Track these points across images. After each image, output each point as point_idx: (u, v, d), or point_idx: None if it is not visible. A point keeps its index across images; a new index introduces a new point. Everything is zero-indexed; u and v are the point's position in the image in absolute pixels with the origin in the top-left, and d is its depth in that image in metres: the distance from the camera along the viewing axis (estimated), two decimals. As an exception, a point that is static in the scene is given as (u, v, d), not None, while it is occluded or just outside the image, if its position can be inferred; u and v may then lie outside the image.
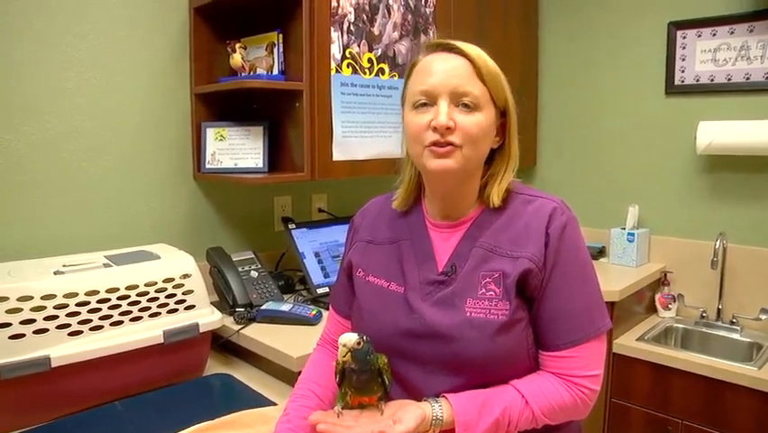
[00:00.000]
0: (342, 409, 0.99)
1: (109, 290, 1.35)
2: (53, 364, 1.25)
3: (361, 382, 0.95)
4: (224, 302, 1.76)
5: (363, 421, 0.95)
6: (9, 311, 1.23)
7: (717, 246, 2.24)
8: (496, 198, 1.03)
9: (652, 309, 2.49)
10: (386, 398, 0.99)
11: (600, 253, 2.63)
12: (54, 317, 1.28)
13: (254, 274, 1.82)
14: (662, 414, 2.12)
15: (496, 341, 0.96)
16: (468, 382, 0.98)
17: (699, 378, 2.01)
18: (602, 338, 1.01)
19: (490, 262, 1.00)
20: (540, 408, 0.97)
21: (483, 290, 0.99)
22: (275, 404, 1.32)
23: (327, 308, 1.29)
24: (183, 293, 1.46)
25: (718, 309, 2.36)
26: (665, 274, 2.47)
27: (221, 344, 1.69)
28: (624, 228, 2.51)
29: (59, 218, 1.71)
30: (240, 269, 1.80)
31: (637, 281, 2.31)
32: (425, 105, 1.00)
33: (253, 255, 1.90)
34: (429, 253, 1.06)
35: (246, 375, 1.54)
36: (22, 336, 1.24)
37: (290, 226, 1.98)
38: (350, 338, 0.93)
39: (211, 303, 1.55)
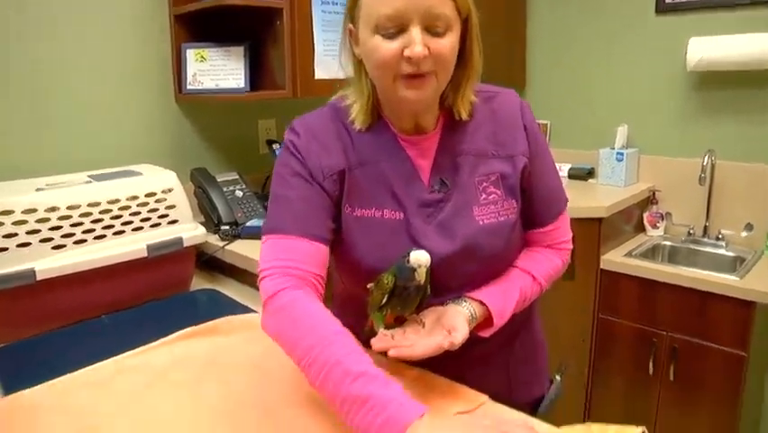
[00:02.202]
0: (386, 329, 0.94)
1: (91, 204, 1.35)
2: (38, 277, 1.26)
3: (414, 299, 0.92)
4: (210, 222, 1.75)
5: (414, 338, 0.92)
6: (-9, 226, 1.23)
7: (705, 163, 2.24)
8: (464, 112, 0.99)
9: (640, 229, 2.50)
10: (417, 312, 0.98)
11: (589, 174, 2.63)
12: (37, 231, 1.28)
13: (239, 194, 1.81)
14: (649, 327, 2.16)
15: (509, 240, 1.01)
16: (479, 279, 1.01)
17: (684, 291, 2.04)
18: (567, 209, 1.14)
19: (481, 167, 1.00)
20: (543, 278, 1.07)
21: (484, 195, 0.99)
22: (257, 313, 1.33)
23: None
24: (166, 208, 1.46)
25: (705, 226, 2.38)
26: (654, 193, 2.47)
27: (206, 262, 1.69)
28: (613, 148, 2.50)
29: (41, 142, 1.69)
30: (224, 189, 1.79)
31: (625, 199, 2.31)
32: (392, 32, 0.88)
33: (238, 176, 1.88)
34: (414, 172, 1.00)
35: (231, 290, 1.55)
36: (6, 249, 1.24)
37: (274, 147, 1.97)
38: (426, 257, 0.86)
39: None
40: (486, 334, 1.00)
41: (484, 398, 0.96)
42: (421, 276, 0.88)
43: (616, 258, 2.21)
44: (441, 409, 0.91)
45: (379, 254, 0.96)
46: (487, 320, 0.99)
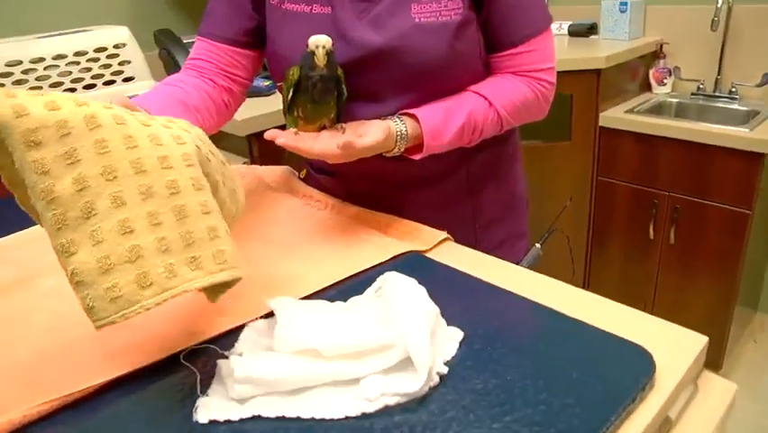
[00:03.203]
0: None
1: (34, 60, 1.26)
2: (-16, 138, 1.19)
3: (323, 92, 0.84)
4: (177, 85, 1.66)
5: (324, 139, 0.85)
6: (-75, 84, 1.16)
7: (719, 4, 2.04)
8: None
9: (645, 88, 2.36)
10: (338, 121, 0.90)
11: (590, 29, 2.45)
12: (-24, 90, 1.20)
13: (208, 55, 1.70)
14: (649, 188, 2.07)
15: (453, 46, 0.87)
16: (421, 101, 0.90)
17: (689, 146, 1.93)
18: (551, 30, 0.96)
19: None
20: (504, 107, 0.93)
21: None
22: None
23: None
24: (119, 64, 1.36)
25: (717, 80, 2.23)
26: (661, 46, 2.30)
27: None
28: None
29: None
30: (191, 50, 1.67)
31: (628, 50, 2.16)
32: None
33: (206, 38, 1.76)
34: None
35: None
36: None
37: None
38: (326, 39, 0.81)
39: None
40: (416, 156, 0.90)
41: (443, 235, 0.89)
42: (320, 59, 0.81)
43: (616, 114, 2.08)
44: (385, 247, 0.86)
45: (299, 50, 0.86)
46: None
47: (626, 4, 2.27)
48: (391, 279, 0.67)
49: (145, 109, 0.76)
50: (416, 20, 0.86)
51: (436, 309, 0.65)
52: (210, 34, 0.99)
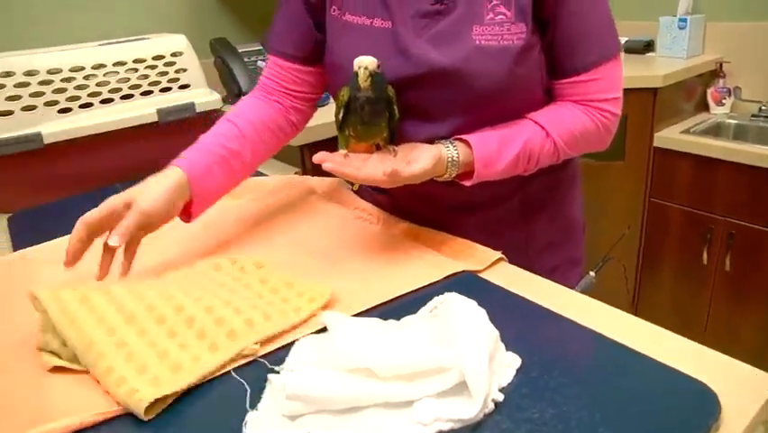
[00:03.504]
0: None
1: (95, 67, 1.29)
2: (45, 141, 1.23)
3: (372, 114, 0.83)
4: (231, 93, 1.68)
5: (373, 163, 0.84)
6: (-7, 88, 1.19)
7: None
8: None
9: (703, 108, 2.29)
10: (391, 141, 0.89)
11: (647, 47, 2.39)
12: (41, 94, 1.24)
13: (262, 64, 1.72)
14: (705, 212, 2.00)
15: (513, 71, 0.84)
16: (477, 125, 0.88)
17: (747, 170, 1.86)
18: (619, 59, 0.91)
19: None
20: (561, 137, 0.89)
21: (491, 15, 0.84)
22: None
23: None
24: (176, 71, 1.38)
25: (780, 101, 2.15)
26: (720, 65, 2.23)
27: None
28: (675, 15, 2.25)
29: (53, 13, 1.62)
30: (246, 59, 1.70)
31: (686, 69, 2.09)
32: None
33: (262, 47, 1.79)
34: None
35: (251, 160, 1.48)
36: (11, 112, 1.21)
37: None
38: (370, 60, 0.79)
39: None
40: (467, 182, 0.87)
41: (497, 255, 0.87)
42: (362, 81, 0.79)
43: (672, 135, 2.02)
44: (439, 266, 0.84)
45: None
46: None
47: (685, 20, 2.21)
48: (450, 300, 0.66)
49: (191, 177, 0.87)
50: (477, 42, 0.84)
51: (496, 333, 0.63)
52: (275, 50, 1.01)
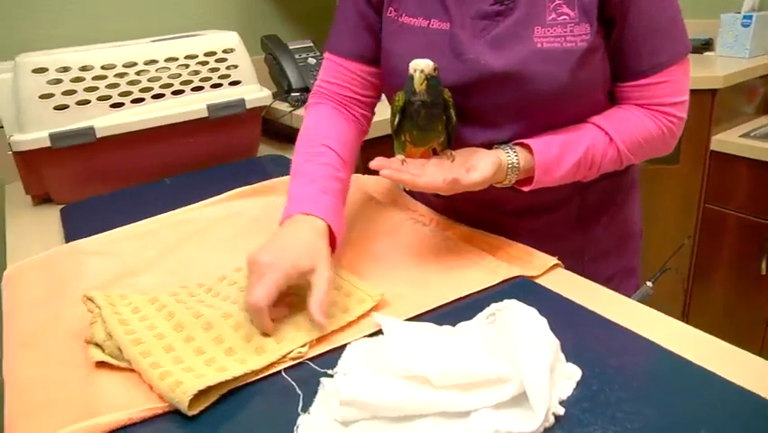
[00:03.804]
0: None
1: (147, 62, 1.30)
2: (98, 135, 1.24)
3: (428, 119, 0.80)
4: (281, 90, 1.68)
5: (432, 170, 0.81)
6: (50, 82, 1.21)
7: None
8: None
9: (763, 110, 2.19)
10: (448, 146, 0.86)
11: (705, 46, 2.30)
12: (94, 89, 1.25)
13: (312, 61, 1.71)
14: (763, 220, 1.92)
15: (575, 74, 0.80)
16: (538, 129, 0.84)
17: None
18: (687, 61, 0.86)
19: None
20: (625, 143, 0.85)
21: (554, 15, 0.80)
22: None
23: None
24: (227, 68, 1.38)
25: None
26: (785, 66, 2.13)
27: (277, 131, 1.64)
28: (739, 12, 2.15)
29: (100, 10, 1.64)
30: (296, 56, 1.70)
31: (749, 69, 1.99)
32: None
33: (312, 44, 1.77)
34: None
35: (299, 157, 1.48)
36: (66, 107, 1.23)
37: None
38: (426, 63, 0.76)
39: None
40: (525, 188, 0.84)
41: (553, 260, 0.84)
42: (417, 84, 0.77)
43: (731, 138, 1.94)
44: (494, 270, 0.81)
45: None
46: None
47: (750, 17, 2.10)
48: (511, 307, 0.63)
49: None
50: (538, 45, 0.80)
51: (557, 343, 0.60)
52: (338, 51, 0.97)
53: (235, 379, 0.62)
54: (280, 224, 0.80)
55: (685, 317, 2.19)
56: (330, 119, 0.96)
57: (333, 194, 0.84)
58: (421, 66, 0.77)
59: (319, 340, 0.68)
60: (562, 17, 0.80)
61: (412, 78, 0.77)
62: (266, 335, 0.69)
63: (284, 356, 0.66)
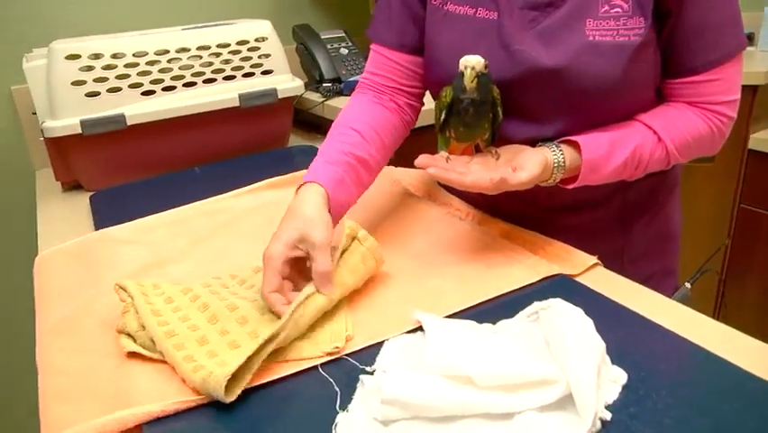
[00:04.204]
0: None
1: (179, 50, 1.29)
2: (128, 122, 1.23)
3: (476, 116, 0.79)
4: (312, 80, 1.67)
5: (477, 168, 0.79)
6: (82, 69, 1.21)
7: None
8: None
9: (804, 110, 2.13)
10: (492, 142, 0.84)
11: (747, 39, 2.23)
12: (126, 76, 1.24)
13: (344, 51, 1.69)
14: (802, 222, 1.87)
15: (627, 70, 0.77)
16: (584, 126, 0.82)
17: None
18: (741, 58, 0.82)
19: None
20: (674, 143, 0.82)
21: (606, 8, 0.77)
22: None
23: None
24: (259, 57, 1.37)
25: None
26: (829, 64, 2.07)
27: (307, 122, 1.63)
28: (782, 6, 2.09)
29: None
30: (328, 46, 1.68)
31: (791, 67, 1.94)
32: None
33: (344, 34, 1.76)
34: None
35: (330, 148, 1.46)
36: (97, 93, 1.22)
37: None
38: (477, 60, 0.74)
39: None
40: (569, 185, 0.82)
41: (593, 259, 0.81)
42: (468, 81, 0.74)
43: (770, 137, 1.89)
44: (534, 268, 0.79)
45: (458, 57, 0.78)
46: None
47: (793, 12, 2.04)
48: (556, 306, 0.61)
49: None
50: (590, 38, 0.77)
51: (603, 345, 0.58)
52: (382, 41, 0.95)
53: (268, 359, 0.61)
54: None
55: (717, 317, 2.14)
56: (365, 106, 0.95)
57: (338, 165, 0.84)
58: (472, 63, 0.75)
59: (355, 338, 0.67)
60: (615, 9, 0.77)
61: (462, 74, 0.75)
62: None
63: (320, 352, 0.65)
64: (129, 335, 0.69)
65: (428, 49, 0.90)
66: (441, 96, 0.81)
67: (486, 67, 0.75)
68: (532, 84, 0.80)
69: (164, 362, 0.65)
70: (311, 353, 0.64)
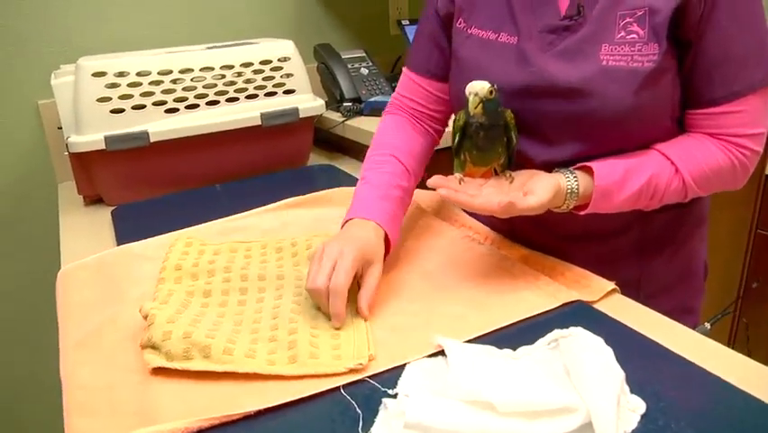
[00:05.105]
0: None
1: (204, 69, 1.31)
2: (151, 139, 1.26)
3: (487, 140, 0.80)
4: (332, 99, 1.69)
5: (489, 191, 0.80)
6: (108, 86, 1.23)
7: None
8: None
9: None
10: (509, 167, 0.85)
11: None
12: (150, 94, 1.27)
13: (364, 71, 1.71)
14: (819, 249, 1.86)
15: (640, 96, 0.77)
16: (600, 151, 0.81)
17: None
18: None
19: None
20: (692, 174, 0.80)
21: (622, 33, 0.78)
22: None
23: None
24: (282, 77, 1.39)
25: None
26: None
27: (327, 141, 1.64)
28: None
29: (159, 17, 1.67)
30: (349, 66, 1.70)
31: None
32: None
33: (364, 54, 1.78)
34: None
35: (351, 167, 1.47)
36: (122, 110, 1.25)
37: (404, 23, 1.83)
38: (481, 86, 0.76)
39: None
40: (581, 212, 0.81)
41: (611, 285, 0.82)
42: (471, 107, 0.77)
43: (788, 163, 1.88)
44: (553, 294, 0.80)
45: (481, 75, 0.80)
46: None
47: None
48: (577, 335, 0.61)
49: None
50: (604, 62, 0.78)
51: (623, 375, 0.58)
52: (412, 67, 1.01)
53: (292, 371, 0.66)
54: (342, 226, 0.87)
55: (730, 347, 2.12)
56: (400, 130, 1.01)
57: (391, 201, 0.90)
58: (476, 88, 0.76)
59: (376, 360, 0.68)
60: (631, 36, 0.78)
61: (467, 99, 0.77)
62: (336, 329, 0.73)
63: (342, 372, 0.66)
64: (153, 348, 0.69)
65: (454, 73, 0.93)
66: (455, 120, 0.83)
67: (492, 92, 0.77)
68: (548, 99, 0.81)
69: (188, 377, 0.66)
70: (335, 368, 0.65)
